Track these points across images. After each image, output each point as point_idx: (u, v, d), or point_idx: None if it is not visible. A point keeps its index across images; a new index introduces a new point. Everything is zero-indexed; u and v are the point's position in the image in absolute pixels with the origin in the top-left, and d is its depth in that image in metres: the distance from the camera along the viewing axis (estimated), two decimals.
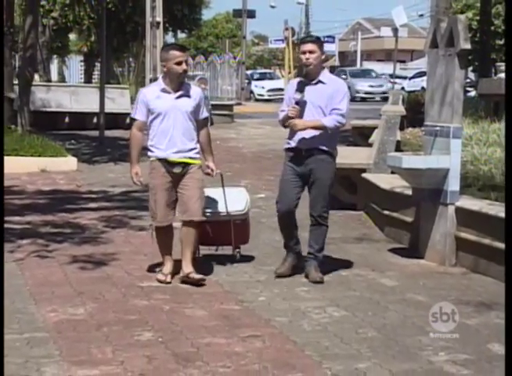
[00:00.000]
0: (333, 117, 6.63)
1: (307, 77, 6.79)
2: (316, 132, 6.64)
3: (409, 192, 8.33)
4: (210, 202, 7.07)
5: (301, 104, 6.61)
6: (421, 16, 57.87)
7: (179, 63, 6.50)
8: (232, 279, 6.87)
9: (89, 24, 29.74)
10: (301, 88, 6.64)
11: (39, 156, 14.54)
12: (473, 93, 19.26)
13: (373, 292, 6.61)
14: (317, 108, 6.66)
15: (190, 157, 6.66)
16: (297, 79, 7.02)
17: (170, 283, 6.61)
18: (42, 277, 6.93)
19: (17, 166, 13.95)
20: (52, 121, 21.84)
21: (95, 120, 21.37)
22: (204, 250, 7.37)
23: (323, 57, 6.81)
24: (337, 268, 7.18)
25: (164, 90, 6.62)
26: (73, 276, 6.99)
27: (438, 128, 7.74)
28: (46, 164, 14.36)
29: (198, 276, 6.55)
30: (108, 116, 19.72)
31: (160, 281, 6.63)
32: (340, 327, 5.63)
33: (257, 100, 43.28)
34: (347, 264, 7.41)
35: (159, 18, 18.48)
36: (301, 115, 6.64)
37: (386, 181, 9.27)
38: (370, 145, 11.82)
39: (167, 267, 6.74)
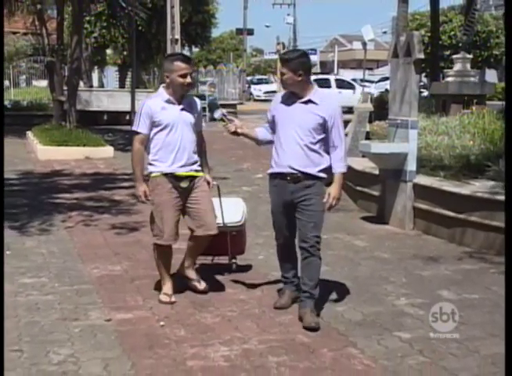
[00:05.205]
0: (342, 163, 4.79)
1: (293, 93, 4.71)
2: (304, 155, 4.66)
3: (377, 172, 8.32)
4: None
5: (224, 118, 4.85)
6: (385, 32, 57.33)
7: (184, 76, 4.83)
8: None
9: (122, 42, 29.42)
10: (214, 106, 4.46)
11: (84, 146, 14.52)
12: (426, 93, 19.13)
13: (348, 251, 6.60)
14: (304, 130, 4.62)
15: (196, 170, 5.01)
16: (283, 92, 4.84)
17: (175, 302, 5.00)
18: (87, 241, 6.92)
19: (67, 154, 14.07)
20: (93, 118, 21.82)
21: (127, 117, 21.37)
22: (200, 260, 5.80)
23: (299, 78, 4.59)
24: None
25: (168, 101, 4.90)
26: (111, 240, 6.99)
27: (399, 121, 7.71)
28: (89, 152, 14.36)
29: (201, 287, 5.24)
30: None
31: (163, 303, 4.99)
32: (323, 279, 5.61)
33: (255, 100, 43.02)
34: (327, 229, 7.36)
35: (177, 36, 18.24)
36: (279, 134, 4.71)
37: (358, 163, 9.24)
38: (345, 135, 11.73)
39: (169, 286, 5.10)
